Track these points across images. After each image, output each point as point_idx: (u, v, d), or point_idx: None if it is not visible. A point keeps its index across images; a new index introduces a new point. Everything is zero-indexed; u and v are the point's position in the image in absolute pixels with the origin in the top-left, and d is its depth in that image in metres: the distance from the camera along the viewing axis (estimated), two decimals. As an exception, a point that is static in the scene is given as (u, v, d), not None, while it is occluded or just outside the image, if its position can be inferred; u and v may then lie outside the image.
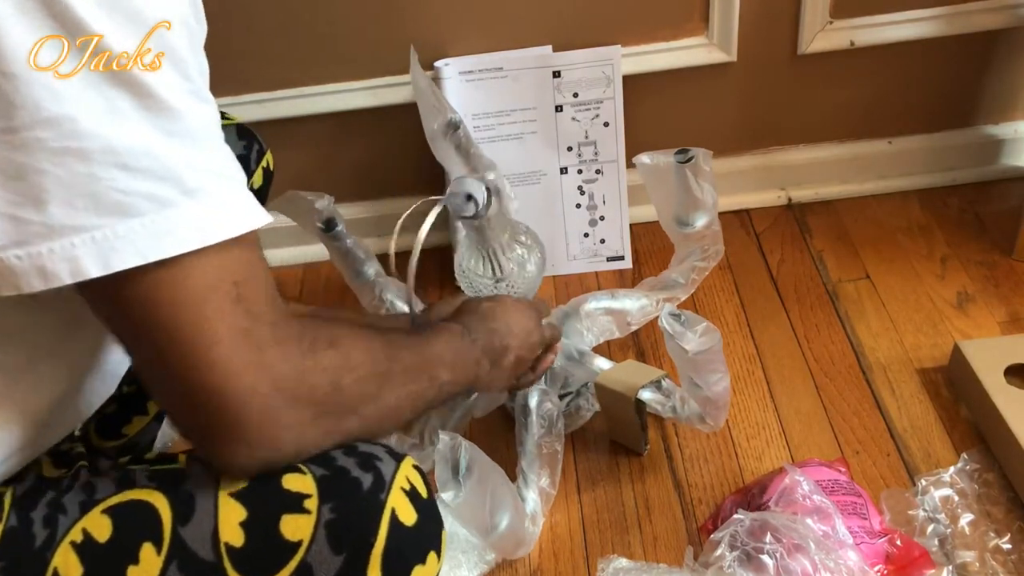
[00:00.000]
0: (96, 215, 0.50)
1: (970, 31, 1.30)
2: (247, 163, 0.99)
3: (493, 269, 0.94)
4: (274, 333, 0.56)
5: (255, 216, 0.56)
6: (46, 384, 0.64)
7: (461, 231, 0.94)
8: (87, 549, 0.58)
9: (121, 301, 0.52)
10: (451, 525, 0.98)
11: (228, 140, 0.96)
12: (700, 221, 1.09)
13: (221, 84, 1.31)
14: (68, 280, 0.50)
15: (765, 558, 0.89)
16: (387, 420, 0.67)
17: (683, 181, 1.04)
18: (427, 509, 0.65)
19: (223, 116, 0.98)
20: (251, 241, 0.56)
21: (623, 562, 0.99)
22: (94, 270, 0.50)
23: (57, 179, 0.49)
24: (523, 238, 0.95)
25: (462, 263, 0.96)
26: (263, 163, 1.01)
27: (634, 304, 1.18)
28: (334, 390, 0.60)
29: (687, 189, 1.05)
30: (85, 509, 0.60)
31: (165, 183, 0.51)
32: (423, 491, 0.66)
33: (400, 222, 0.92)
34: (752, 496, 1.01)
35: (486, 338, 0.84)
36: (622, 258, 1.41)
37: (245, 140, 0.98)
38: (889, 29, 1.30)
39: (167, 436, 1.22)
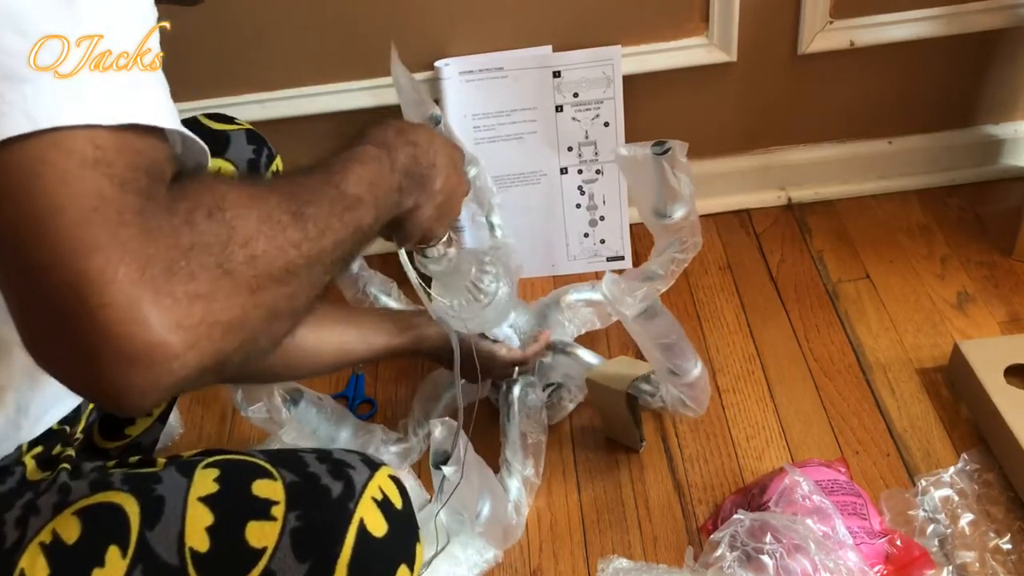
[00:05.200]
0: None
1: (970, 31, 1.30)
2: (256, 168, 0.98)
3: (480, 295, 0.93)
4: (141, 204, 0.44)
5: (157, 115, 0.48)
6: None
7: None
8: (55, 550, 0.58)
9: None
10: (448, 523, 0.99)
11: (237, 145, 0.96)
12: (678, 212, 1.08)
13: (221, 84, 1.34)
14: None
15: (765, 558, 0.89)
16: (302, 293, 0.53)
17: (660, 172, 1.04)
18: (400, 521, 0.64)
19: (231, 121, 0.98)
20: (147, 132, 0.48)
21: (623, 562, 0.99)
22: None
23: None
24: (489, 266, 0.93)
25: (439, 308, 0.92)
26: (272, 168, 1.01)
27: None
28: (222, 272, 0.46)
29: (664, 180, 1.04)
30: (57, 511, 0.60)
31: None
32: (397, 502, 0.65)
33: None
34: (752, 496, 1.01)
35: (407, 155, 0.66)
36: (622, 258, 1.41)
37: (255, 145, 0.98)
38: (889, 29, 1.30)
39: (169, 436, 1.22)
